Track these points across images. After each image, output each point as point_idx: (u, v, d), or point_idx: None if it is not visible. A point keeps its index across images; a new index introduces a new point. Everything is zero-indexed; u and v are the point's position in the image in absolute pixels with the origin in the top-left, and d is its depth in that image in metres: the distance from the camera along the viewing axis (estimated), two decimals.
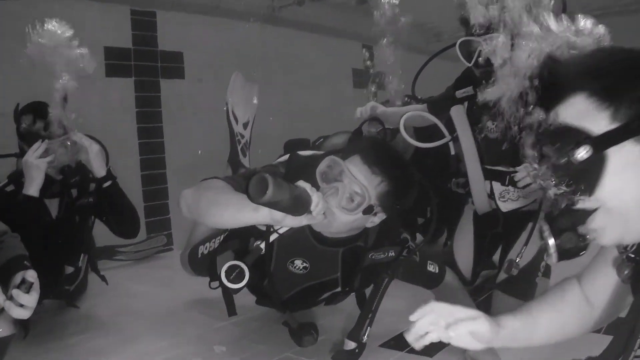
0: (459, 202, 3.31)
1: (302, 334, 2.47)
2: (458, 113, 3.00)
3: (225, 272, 2.24)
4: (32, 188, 2.92)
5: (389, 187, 2.13)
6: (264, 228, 2.26)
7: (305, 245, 2.36)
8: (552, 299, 1.61)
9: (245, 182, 1.59)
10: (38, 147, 2.97)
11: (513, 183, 2.90)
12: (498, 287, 2.90)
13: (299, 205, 1.76)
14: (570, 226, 1.30)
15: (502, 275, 2.90)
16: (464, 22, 2.75)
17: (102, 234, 3.61)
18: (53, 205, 3.20)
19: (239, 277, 2.24)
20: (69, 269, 3.35)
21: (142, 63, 5.10)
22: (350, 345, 2.41)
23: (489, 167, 2.97)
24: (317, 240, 2.34)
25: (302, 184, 1.81)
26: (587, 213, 1.23)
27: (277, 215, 1.77)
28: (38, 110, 3.12)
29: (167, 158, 5.25)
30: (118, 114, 4.88)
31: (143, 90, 5.09)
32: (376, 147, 2.24)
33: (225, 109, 3.80)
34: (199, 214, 1.99)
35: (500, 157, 2.90)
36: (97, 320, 3.29)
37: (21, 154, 3.06)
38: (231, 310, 2.49)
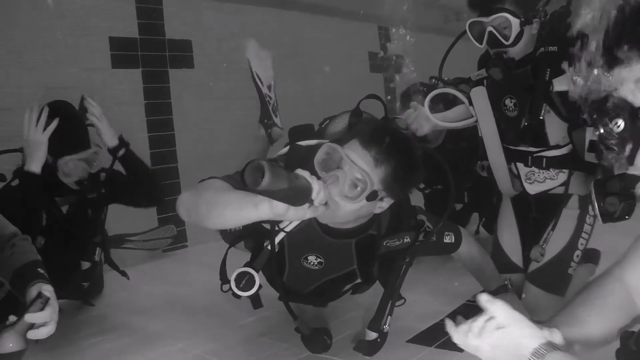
0: (490, 187, 3.27)
1: (315, 340, 2.47)
2: (479, 94, 2.98)
3: (235, 280, 2.25)
4: (34, 164, 2.93)
5: (391, 170, 2.08)
6: (269, 227, 2.26)
7: (316, 240, 2.34)
8: (599, 307, 1.56)
9: (242, 173, 1.56)
10: (37, 121, 2.95)
11: (536, 163, 2.87)
12: (527, 278, 2.86)
13: (299, 194, 1.72)
14: (618, 190, 1.34)
15: (534, 265, 2.86)
16: (472, 5, 2.77)
17: (111, 226, 3.62)
18: (63, 201, 3.23)
19: (249, 284, 2.24)
20: (85, 265, 3.37)
21: (150, 53, 5.07)
22: (372, 335, 2.40)
23: (511, 147, 2.95)
24: (327, 234, 2.32)
25: (300, 172, 1.76)
26: (637, 179, 1.26)
27: (279, 209, 1.73)
28: (61, 110, 3.11)
29: (179, 151, 5.23)
30: (126, 107, 4.85)
31: (151, 81, 5.06)
32: (375, 129, 2.19)
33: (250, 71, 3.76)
34: (199, 217, 1.96)
35: (521, 136, 2.87)
36: (113, 321, 3.30)
37: None
38: (257, 303, 2.47)
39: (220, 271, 2.47)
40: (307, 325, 2.50)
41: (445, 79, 3.65)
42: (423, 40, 7.03)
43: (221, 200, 1.88)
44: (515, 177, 3.01)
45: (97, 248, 3.44)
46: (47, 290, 1.90)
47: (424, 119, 3.13)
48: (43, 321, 1.85)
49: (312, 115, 2.93)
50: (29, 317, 1.83)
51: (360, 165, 2.05)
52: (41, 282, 1.98)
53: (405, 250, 2.42)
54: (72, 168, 3.09)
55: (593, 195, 1.39)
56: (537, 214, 3.03)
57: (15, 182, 3.05)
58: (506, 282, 2.81)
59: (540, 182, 2.93)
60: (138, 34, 4.98)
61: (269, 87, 3.82)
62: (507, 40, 2.66)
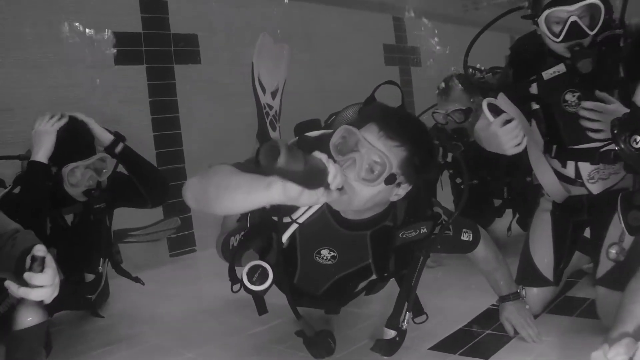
0: (530, 184, 3.22)
1: (318, 343, 2.45)
2: (504, 101, 2.84)
3: (247, 274, 2.24)
4: (40, 153, 2.96)
5: (410, 153, 2.10)
6: (282, 219, 2.26)
7: (330, 232, 2.34)
8: None
9: (256, 153, 1.57)
10: (49, 117, 3.01)
11: (605, 159, 2.78)
12: (601, 283, 2.72)
13: (315, 176, 1.72)
14: None
15: (605, 267, 2.73)
16: None
17: (116, 225, 3.65)
18: (69, 210, 3.23)
19: (262, 278, 2.24)
20: (90, 277, 3.36)
21: (154, 48, 5.09)
22: (390, 333, 2.38)
23: (574, 147, 2.86)
24: (341, 225, 2.33)
25: (318, 154, 1.77)
26: None
27: (292, 191, 1.72)
28: (70, 128, 3.12)
29: (186, 151, 5.25)
30: (130, 105, 4.88)
31: (156, 77, 5.08)
32: (392, 113, 2.22)
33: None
34: (207, 201, 1.96)
35: (586, 132, 2.74)
36: (121, 330, 3.32)
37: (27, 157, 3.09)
38: (261, 308, 2.49)
39: (229, 271, 2.48)
40: (311, 326, 2.48)
41: (482, 69, 3.61)
42: (442, 31, 7.03)
43: (232, 184, 1.88)
44: (573, 180, 2.94)
45: (102, 259, 3.41)
46: (39, 250, 1.83)
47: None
48: (44, 284, 1.78)
49: (324, 111, 2.93)
50: (27, 276, 1.76)
51: (378, 147, 2.07)
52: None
53: (422, 241, 2.42)
54: (79, 177, 3.09)
55: (619, 209, 1.38)
56: (590, 216, 2.97)
57: (17, 190, 3.05)
58: (518, 290, 2.81)
59: (605, 179, 2.85)
60: (142, 28, 5.00)
61: (274, 93, 3.77)
62: (592, 29, 2.56)
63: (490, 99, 2.79)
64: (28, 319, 1.85)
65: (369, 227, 2.36)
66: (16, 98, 4.08)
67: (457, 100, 3.92)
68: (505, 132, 2.53)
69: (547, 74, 2.80)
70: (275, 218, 2.29)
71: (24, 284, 1.79)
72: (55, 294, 1.84)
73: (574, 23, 2.56)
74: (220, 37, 5.50)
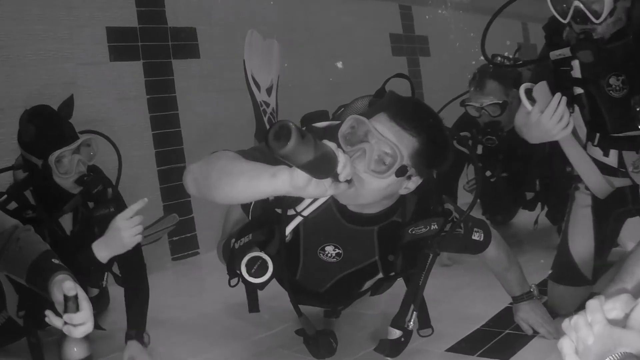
0: (565, 177, 3.18)
1: (319, 343, 2.43)
2: (542, 90, 2.71)
3: (246, 265, 2.23)
4: (104, 254, 2.74)
5: (422, 144, 2.09)
6: (285, 212, 2.24)
7: (335, 227, 2.33)
8: None
9: (266, 133, 1.55)
10: (136, 224, 2.73)
11: None
12: None
13: (324, 164, 1.70)
14: None
15: None
16: None
17: None
18: (66, 220, 3.13)
19: (262, 270, 2.22)
20: (93, 291, 3.28)
21: (151, 43, 5.06)
22: (395, 333, 2.36)
23: (618, 135, 2.81)
24: (347, 220, 2.31)
25: (327, 142, 1.75)
26: None
27: (299, 180, 1.71)
28: (46, 116, 3.01)
29: (186, 150, 5.23)
30: (127, 103, 4.86)
31: (154, 74, 5.05)
32: (403, 102, 2.20)
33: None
34: (209, 187, 1.95)
35: (633, 118, 2.66)
36: (122, 338, 3.28)
37: (26, 166, 3.03)
38: (253, 305, 2.50)
39: (228, 265, 2.45)
40: (312, 325, 2.47)
41: (510, 56, 3.57)
42: (451, 18, 7.01)
43: (235, 169, 1.88)
44: (615, 169, 2.90)
45: (106, 273, 3.35)
46: (69, 288, 1.90)
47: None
48: (83, 321, 1.89)
49: (330, 104, 2.91)
50: (68, 318, 1.86)
51: (389, 137, 2.04)
52: (59, 274, 2.00)
53: (432, 238, 2.40)
54: (67, 165, 2.96)
55: None
56: (634, 204, 2.95)
57: (12, 206, 2.95)
58: (531, 289, 2.82)
59: None
60: (137, 22, 4.97)
61: (269, 90, 3.74)
62: (597, 17, 2.50)
63: (528, 84, 2.75)
64: (74, 349, 1.97)
65: (376, 222, 2.34)
66: (7, 97, 4.06)
67: (491, 93, 3.88)
68: (548, 117, 2.50)
69: (553, 54, 2.74)
70: (279, 210, 2.27)
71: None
72: (92, 322, 1.95)
73: (577, 8, 2.52)
74: (220, 30, 5.47)
